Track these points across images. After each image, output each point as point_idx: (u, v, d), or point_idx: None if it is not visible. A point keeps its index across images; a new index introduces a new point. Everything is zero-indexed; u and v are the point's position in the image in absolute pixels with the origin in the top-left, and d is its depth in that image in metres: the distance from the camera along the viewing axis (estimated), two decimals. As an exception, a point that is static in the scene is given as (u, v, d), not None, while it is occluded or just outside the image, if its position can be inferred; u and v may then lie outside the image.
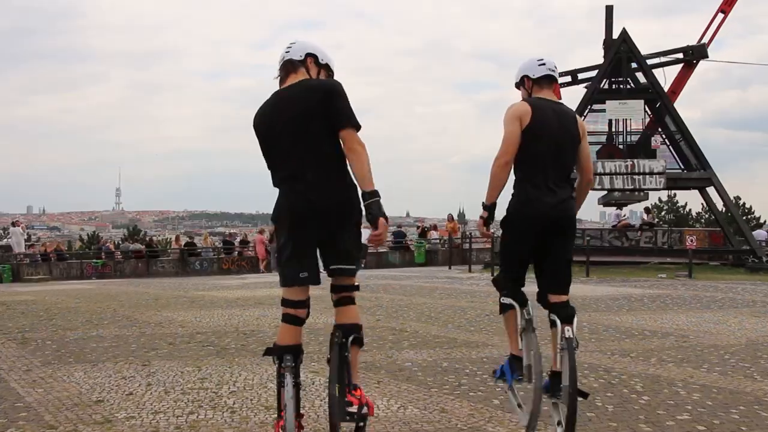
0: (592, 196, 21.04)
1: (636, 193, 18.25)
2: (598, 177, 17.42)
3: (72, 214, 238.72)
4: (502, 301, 3.68)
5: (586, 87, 19.30)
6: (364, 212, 3.08)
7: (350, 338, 3.13)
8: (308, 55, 3.23)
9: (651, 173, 17.39)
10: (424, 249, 23.39)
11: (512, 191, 3.61)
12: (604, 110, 18.82)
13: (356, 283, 3.26)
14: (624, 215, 22.02)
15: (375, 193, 3.01)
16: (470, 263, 19.22)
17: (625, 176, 17.56)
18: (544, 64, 3.65)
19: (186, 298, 11.72)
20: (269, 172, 3.21)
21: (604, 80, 18.97)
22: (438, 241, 24.72)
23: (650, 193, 18.92)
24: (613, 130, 18.71)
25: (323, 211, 3.05)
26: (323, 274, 3.17)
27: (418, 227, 27.31)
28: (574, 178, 3.68)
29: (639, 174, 17.44)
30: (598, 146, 18.68)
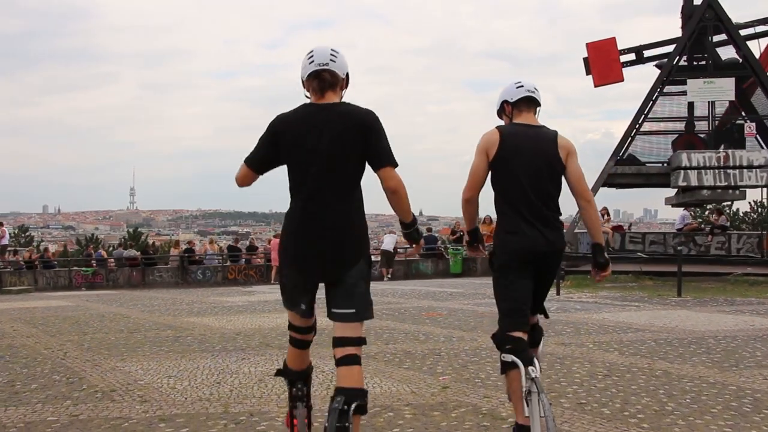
0: (660, 193, 17.93)
1: (730, 191, 15.09)
2: (681, 172, 14.37)
3: (86, 213, 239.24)
4: (502, 358, 3.38)
5: (657, 65, 16.21)
6: (403, 237, 3.18)
7: (353, 405, 2.85)
8: (347, 74, 3.08)
9: (750, 167, 14.26)
10: (461, 257, 20.04)
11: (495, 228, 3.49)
12: (682, 92, 15.75)
13: (362, 335, 3.02)
14: (695, 218, 18.88)
15: (414, 221, 3.13)
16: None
17: (716, 171, 14.44)
18: (522, 86, 3.50)
19: (170, 330, 8.84)
20: (286, 174, 3.07)
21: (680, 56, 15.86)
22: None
23: (747, 191, 15.73)
24: (695, 115, 15.61)
25: (333, 249, 2.96)
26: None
27: (453, 232, 23.22)
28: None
29: (734, 168, 14.31)
30: (674, 136, 15.61)
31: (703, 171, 14.46)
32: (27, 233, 49.64)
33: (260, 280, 20.21)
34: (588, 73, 17.04)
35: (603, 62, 16.85)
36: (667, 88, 15.98)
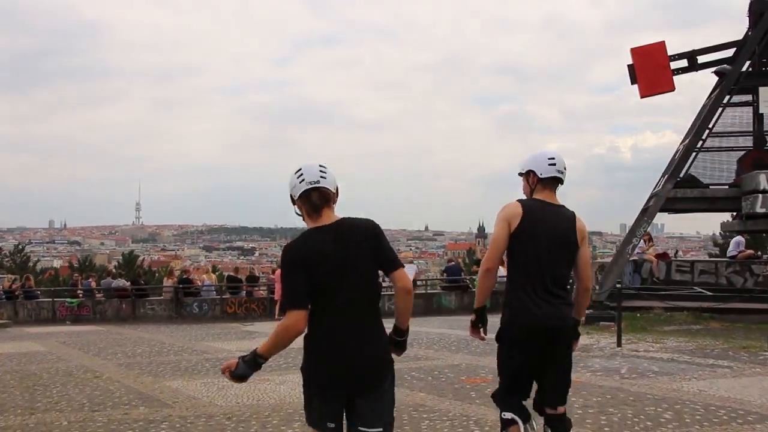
0: (715, 219, 15.78)
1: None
2: (758, 197, 12.27)
3: (92, 229, 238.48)
4: (502, 416, 3.51)
5: (717, 72, 14.16)
6: (392, 344, 3.07)
7: None
8: (337, 187, 3.10)
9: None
10: (489, 289, 17.66)
11: (504, 299, 3.51)
12: (745, 102, 13.70)
13: None
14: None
15: (407, 330, 3.09)
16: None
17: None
18: (554, 164, 3.53)
19: (143, 407, 6.79)
20: (316, 297, 2.93)
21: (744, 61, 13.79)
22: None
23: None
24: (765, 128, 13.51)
25: (371, 366, 2.95)
26: None
27: (478, 262, 19.79)
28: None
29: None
30: (740, 153, 13.53)
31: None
32: (23, 252, 47.68)
33: (262, 314, 18.14)
34: (633, 81, 15.00)
35: (650, 70, 14.82)
36: (734, 98, 13.89)
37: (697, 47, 14.72)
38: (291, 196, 3.06)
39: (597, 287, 14.79)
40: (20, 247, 48.06)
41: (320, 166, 3.04)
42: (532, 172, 3.54)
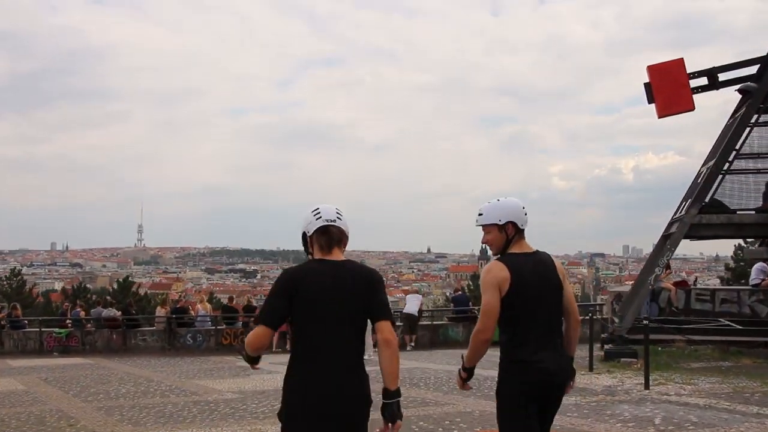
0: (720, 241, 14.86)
1: None
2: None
3: (95, 251, 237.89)
4: None
5: (741, 90, 13.37)
6: (381, 411, 2.96)
7: None
8: (347, 235, 3.16)
9: None
10: (500, 320, 16.62)
11: (500, 354, 3.43)
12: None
13: None
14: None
15: (398, 392, 2.97)
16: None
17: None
18: (526, 213, 3.52)
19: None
20: (299, 331, 3.00)
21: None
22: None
23: None
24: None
25: (354, 410, 2.94)
26: None
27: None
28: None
29: None
30: (768, 176, 12.69)
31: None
32: (19, 276, 46.85)
33: (260, 345, 17.23)
34: (650, 101, 14.19)
35: (669, 88, 14.02)
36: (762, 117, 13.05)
37: (698, 68, 13.94)
38: (304, 233, 3.10)
39: (616, 320, 13.88)
40: (16, 271, 47.17)
41: (337, 209, 3.12)
42: (512, 223, 3.46)
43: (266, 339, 3.03)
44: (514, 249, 3.47)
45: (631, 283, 21.15)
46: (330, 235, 3.03)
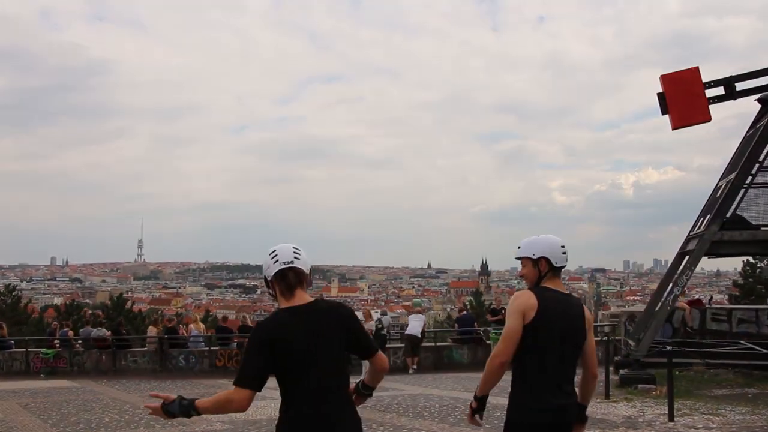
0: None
1: None
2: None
3: (94, 266, 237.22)
4: None
5: (759, 100, 12.75)
6: (355, 392, 3.13)
7: None
8: (310, 269, 3.14)
9: None
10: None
11: (510, 388, 3.40)
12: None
13: None
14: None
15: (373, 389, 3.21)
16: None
17: None
18: (565, 253, 3.49)
19: None
20: (288, 382, 2.95)
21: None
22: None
23: None
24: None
25: None
26: None
27: (494, 312, 16.87)
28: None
29: None
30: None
31: None
32: (14, 293, 45.97)
33: (255, 367, 16.46)
34: (664, 111, 13.54)
35: (683, 98, 13.37)
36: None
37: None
38: (265, 277, 3.09)
39: (631, 343, 13.15)
40: (11, 287, 46.29)
41: (294, 247, 3.07)
42: (546, 259, 3.45)
43: (248, 403, 2.88)
44: (547, 284, 3.44)
45: (632, 298, 20.52)
46: (288, 280, 2.98)
